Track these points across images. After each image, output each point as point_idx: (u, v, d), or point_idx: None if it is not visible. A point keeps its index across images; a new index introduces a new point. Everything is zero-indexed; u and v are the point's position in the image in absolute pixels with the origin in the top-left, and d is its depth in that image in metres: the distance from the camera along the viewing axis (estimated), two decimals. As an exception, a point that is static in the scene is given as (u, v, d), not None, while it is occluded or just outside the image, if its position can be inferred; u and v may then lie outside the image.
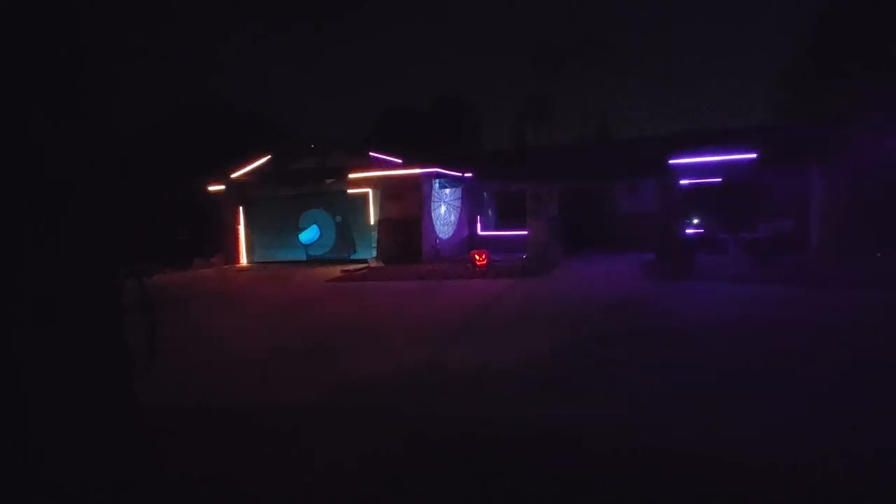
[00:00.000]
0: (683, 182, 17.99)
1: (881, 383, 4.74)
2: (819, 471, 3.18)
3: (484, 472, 3.34)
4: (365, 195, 20.21)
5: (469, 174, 21.48)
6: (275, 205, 21.54)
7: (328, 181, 20.19)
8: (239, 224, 21.89)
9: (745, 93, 61.71)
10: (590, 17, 64.43)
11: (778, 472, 3.19)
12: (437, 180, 20.30)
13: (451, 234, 21.45)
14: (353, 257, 20.40)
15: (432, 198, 20.13)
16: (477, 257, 16.33)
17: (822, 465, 3.23)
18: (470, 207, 22.94)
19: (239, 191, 21.54)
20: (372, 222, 20.06)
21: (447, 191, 21.29)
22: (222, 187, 21.60)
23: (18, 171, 2.42)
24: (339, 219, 20.90)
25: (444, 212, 21.13)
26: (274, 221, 21.61)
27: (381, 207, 19.74)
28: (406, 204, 19.23)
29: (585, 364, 5.83)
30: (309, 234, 21.24)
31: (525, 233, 20.26)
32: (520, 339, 7.07)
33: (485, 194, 23.68)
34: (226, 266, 21.07)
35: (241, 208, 21.83)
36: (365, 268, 17.76)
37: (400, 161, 19.33)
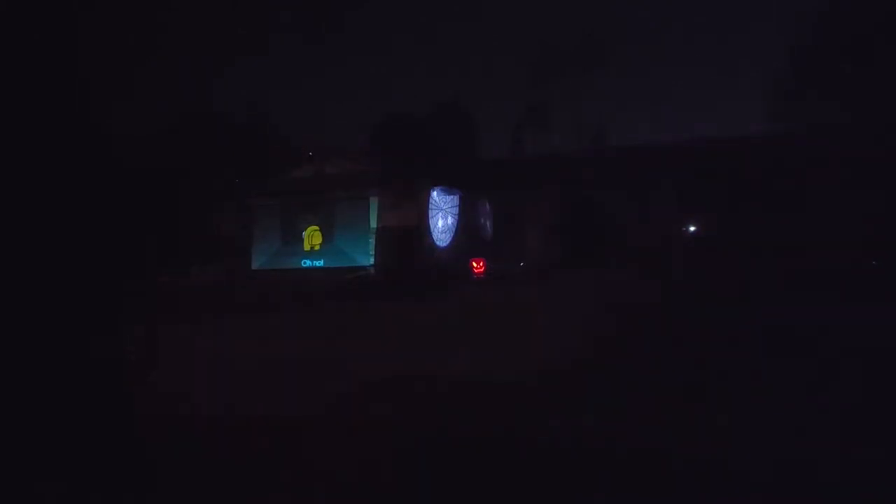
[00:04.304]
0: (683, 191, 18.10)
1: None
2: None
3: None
4: (364, 203, 20.26)
5: (467, 183, 21.56)
6: (273, 212, 21.56)
7: (327, 189, 20.25)
8: (240, 232, 21.85)
9: (743, 96, 61.78)
10: (589, 18, 64.53)
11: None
12: (435, 189, 20.36)
13: (448, 241, 21.49)
14: (347, 265, 20.39)
15: (430, 206, 20.19)
16: (475, 265, 16.36)
17: None
18: (467, 216, 22.99)
19: (239, 199, 21.56)
20: (370, 230, 20.09)
21: (445, 199, 21.35)
22: (223, 195, 21.61)
23: (17, 172, 2.44)
24: (329, 229, 20.94)
25: (442, 220, 21.19)
26: (272, 229, 21.62)
27: (379, 216, 19.78)
28: (404, 212, 19.28)
29: (583, 367, 5.87)
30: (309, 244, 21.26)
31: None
32: (518, 343, 7.10)
33: (482, 203, 23.75)
34: (224, 273, 20.99)
35: (241, 216, 21.82)
36: (364, 275, 17.80)
37: (399, 169, 19.40)
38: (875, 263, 14.81)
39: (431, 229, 20.18)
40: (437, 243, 20.58)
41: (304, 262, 21.18)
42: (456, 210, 22.24)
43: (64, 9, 2.75)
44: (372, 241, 19.90)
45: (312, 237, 21.16)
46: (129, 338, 3.13)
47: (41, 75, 2.58)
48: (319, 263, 20.97)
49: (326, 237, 20.98)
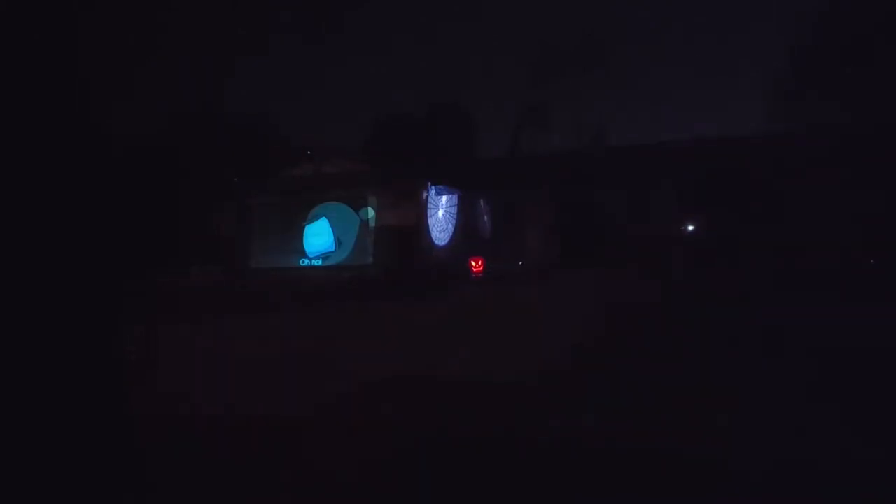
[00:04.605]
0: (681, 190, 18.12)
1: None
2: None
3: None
4: (363, 203, 20.28)
5: (466, 182, 21.57)
6: (272, 211, 21.55)
7: (326, 188, 20.27)
8: (239, 231, 21.84)
9: (743, 96, 61.66)
10: (589, 18, 64.31)
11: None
12: (433, 188, 20.39)
13: (447, 240, 21.51)
14: (345, 264, 20.42)
15: (429, 205, 20.20)
16: (473, 264, 16.37)
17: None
18: (466, 215, 23.00)
19: (239, 198, 21.55)
20: (369, 229, 20.13)
21: (444, 198, 21.36)
22: (222, 195, 21.59)
23: (15, 172, 2.44)
24: (336, 227, 20.97)
25: (441, 219, 21.20)
26: (271, 229, 21.62)
27: (378, 215, 19.81)
28: (403, 211, 19.30)
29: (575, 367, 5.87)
30: (315, 243, 21.17)
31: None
32: (518, 343, 7.10)
33: (481, 202, 23.77)
34: (224, 273, 20.99)
35: (240, 216, 21.81)
36: (363, 274, 17.80)
37: (398, 169, 19.43)
38: (873, 263, 14.86)
39: (430, 229, 20.19)
40: (436, 243, 20.60)
41: (303, 262, 21.19)
42: (455, 209, 22.26)
43: (64, 8, 2.75)
44: (371, 240, 19.93)
45: (312, 236, 21.17)
46: (128, 338, 3.12)
47: (40, 75, 2.58)
48: (318, 263, 20.98)
49: (325, 236, 21.01)
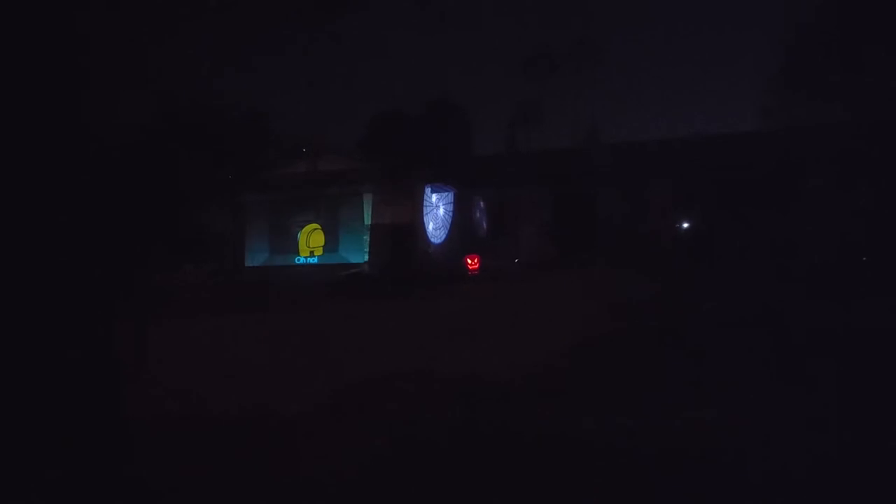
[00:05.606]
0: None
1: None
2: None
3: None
4: (358, 200, 20.21)
5: (462, 179, 21.54)
6: (267, 208, 21.44)
7: (320, 186, 20.17)
8: (233, 229, 21.69)
9: (739, 94, 61.87)
10: (586, 16, 64.31)
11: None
12: (429, 186, 20.34)
13: (443, 238, 21.47)
14: (341, 262, 20.35)
15: (424, 203, 20.15)
16: (469, 262, 16.36)
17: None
18: (462, 213, 22.96)
19: (233, 196, 21.39)
20: (364, 227, 20.05)
21: (440, 196, 21.33)
22: (216, 192, 21.43)
23: (2, 170, 2.39)
24: (322, 226, 20.87)
25: (437, 217, 21.16)
26: (266, 226, 21.50)
27: (373, 213, 19.73)
28: (398, 209, 19.23)
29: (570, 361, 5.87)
30: (311, 240, 21.07)
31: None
32: (517, 342, 7.10)
33: (477, 199, 23.72)
34: (218, 271, 20.85)
35: (235, 213, 21.65)
36: (359, 272, 17.75)
37: (393, 166, 19.35)
38: (865, 259, 14.93)
39: (426, 226, 20.15)
40: (432, 240, 20.56)
41: (299, 260, 21.11)
42: (450, 207, 22.22)
43: (55, 4, 2.70)
44: (366, 238, 19.86)
45: (310, 236, 21.07)
46: (121, 337, 3.08)
47: (29, 72, 2.53)
48: (314, 261, 20.90)
49: (320, 235, 20.93)
